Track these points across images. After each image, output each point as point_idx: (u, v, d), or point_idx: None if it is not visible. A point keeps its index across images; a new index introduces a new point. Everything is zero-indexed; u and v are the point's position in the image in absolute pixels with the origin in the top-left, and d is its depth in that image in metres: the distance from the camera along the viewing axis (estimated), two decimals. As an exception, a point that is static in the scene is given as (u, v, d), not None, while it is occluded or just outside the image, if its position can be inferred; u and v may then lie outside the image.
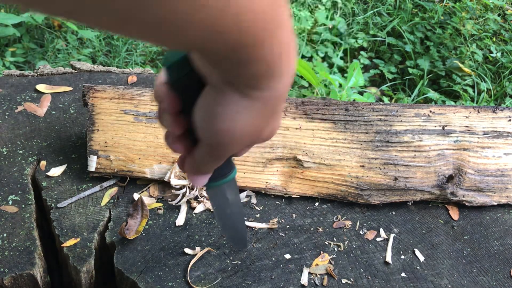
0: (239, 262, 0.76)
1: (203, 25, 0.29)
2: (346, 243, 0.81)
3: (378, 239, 0.82)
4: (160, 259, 0.75)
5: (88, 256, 0.75)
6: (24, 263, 0.73)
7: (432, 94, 2.50)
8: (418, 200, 0.89)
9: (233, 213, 0.65)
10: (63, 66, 1.87)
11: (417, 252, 0.80)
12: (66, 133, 0.99)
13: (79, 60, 2.32)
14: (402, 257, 0.79)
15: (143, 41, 0.31)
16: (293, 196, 0.88)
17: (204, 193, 0.87)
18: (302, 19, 2.86)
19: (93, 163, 0.87)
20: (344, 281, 0.74)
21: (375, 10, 3.16)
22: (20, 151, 0.94)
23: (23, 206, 0.83)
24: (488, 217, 0.88)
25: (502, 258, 0.80)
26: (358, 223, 0.85)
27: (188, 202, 0.86)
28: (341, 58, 2.76)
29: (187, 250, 0.77)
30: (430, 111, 0.92)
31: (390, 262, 0.77)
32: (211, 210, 0.85)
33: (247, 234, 0.81)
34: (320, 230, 0.83)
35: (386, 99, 2.56)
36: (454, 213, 0.88)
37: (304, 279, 0.73)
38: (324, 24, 2.93)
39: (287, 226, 0.83)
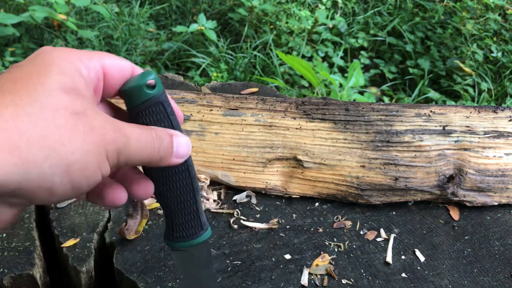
0: (239, 262, 0.75)
1: None
2: (346, 243, 0.80)
3: (378, 239, 0.82)
4: (160, 259, 0.75)
5: (88, 256, 0.75)
6: (23, 263, 0.73)
7: (433, 94, 2.50)
8: (418, 200, 0.88)
9: (203, 284, 0.55)
10: (63, 66, 1.87)
11: (417, 252, 0.79)
12: (66, 133, 0.99)
13: (79, 59, 2.31)
14: (403, 257, 0.79)
15: None
16: (293, 196, 0.88)
17: (204, 193, 0.86)
18: (302, 18, 2.86)
19: (92, 163, 0.87)
20: (344, 281, 0.74)
21: (375, 9, 3.15)
22: (20, 151, 0.94)
23: (22, 206, 0.83)
24: (488, 217, 0.88)
25: (502, 259, 0.80)
26: (358, 223, 0.84)
27: (188, 202, 0.86)
28: (341, 57, 2.76)
29: (187, 251, 0.76)
30: (431, 111, 0.92)
31: (391, 262, 0.77)
32: (211, 210, 0.85)
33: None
34: (320, 230, 0.82)
35: (386, 99, 2.56)
36: (455, 213, 0.88)
37: (304, 280, 0.73)
38: (325, 24, 2.92)
39: (287, 226, 0.83)
